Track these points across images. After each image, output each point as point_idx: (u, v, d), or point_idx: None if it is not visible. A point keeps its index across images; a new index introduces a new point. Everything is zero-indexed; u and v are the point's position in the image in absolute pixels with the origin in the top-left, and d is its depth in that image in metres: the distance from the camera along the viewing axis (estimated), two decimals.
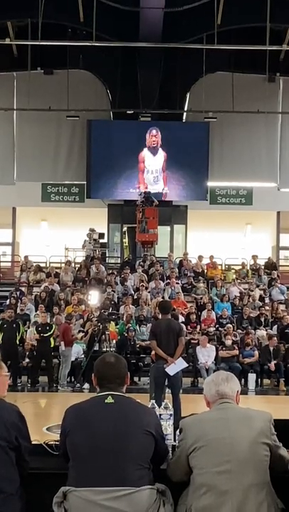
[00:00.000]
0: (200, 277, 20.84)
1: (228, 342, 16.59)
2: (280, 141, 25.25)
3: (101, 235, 23.30)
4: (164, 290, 19.66)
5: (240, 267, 22.09)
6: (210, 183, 24.74)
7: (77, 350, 16.17)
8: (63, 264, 22.23)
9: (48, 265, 22.65)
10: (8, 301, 18.67)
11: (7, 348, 15.32)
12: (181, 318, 16.96)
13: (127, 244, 24.84)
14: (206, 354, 16.23)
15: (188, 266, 21.60)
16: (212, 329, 17.70)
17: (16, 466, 3.43)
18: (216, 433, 3.20)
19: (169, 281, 20.06)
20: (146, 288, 19.71)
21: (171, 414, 3.91)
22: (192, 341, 16.71)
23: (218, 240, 24.43)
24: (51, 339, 15.84)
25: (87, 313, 17.58)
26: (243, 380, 15.58)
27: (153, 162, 24.46)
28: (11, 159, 25.00)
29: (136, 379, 16.00)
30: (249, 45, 20.81)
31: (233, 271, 22.03)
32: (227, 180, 25.04)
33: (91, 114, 24.00)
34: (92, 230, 22.78)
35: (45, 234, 25.72)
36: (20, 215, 25.56)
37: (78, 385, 15.39)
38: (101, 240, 23.29)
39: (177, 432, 3.50)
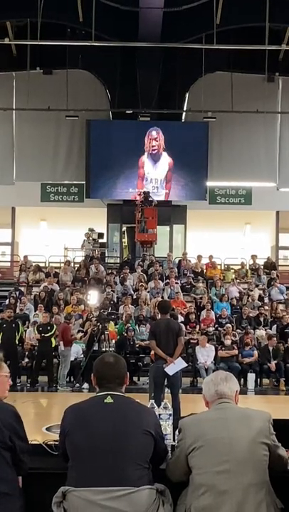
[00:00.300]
0: (199, 277, 20.84)
1: (228, 342, 16.59)
2: (279, 140, 25.23)
3: (100, 235, 23.26)
4: (164, 290, 19.66)
5: (240, 267, 22.09)
6: (209, 183, 24.72)
7: (77, 350, 16.17)
8: (62, 264, 22.21)
9: (47, 265, 22.59)
10: (7, 301, 18.66)
11: (6, 347, 15.24)
12: (181, 318, 16.93)
13: (126, 244, 24.82)
14: (206, 354, 16.23)
15: (187, 266, 21.59)
16: (211, 329, 17.72)
17: (12, 466, 3.42)
18: (214, 433, 3.19)
19: (168, 281, 20.05)
20: (146, 288, 19.71)
21: (170, 414, 3.90)
22: (191, 341, 16.72)
23: (217, 239, 24.40)
24: (52, 339, 15.85)
25: (86, 313, 17.58)
26: (242, 379, 15.62)
27: (153, 171, 24.28)
28: (10, 159, 24.98)
29: (135, 379, 15.98)
30: (248, 45, 20.84)
31: (233, 271, 22.03)
32: (226, 180, 25.02)
33: (90, 114, 23.97)
34: (91, 230, 22.75)
35: (45, 234, 25.69)
36: (19, 215, 25.54)
37: (77, 384, 15.38)
38: (100, 240, 23.25)
39: (176, 431, 3.50)
